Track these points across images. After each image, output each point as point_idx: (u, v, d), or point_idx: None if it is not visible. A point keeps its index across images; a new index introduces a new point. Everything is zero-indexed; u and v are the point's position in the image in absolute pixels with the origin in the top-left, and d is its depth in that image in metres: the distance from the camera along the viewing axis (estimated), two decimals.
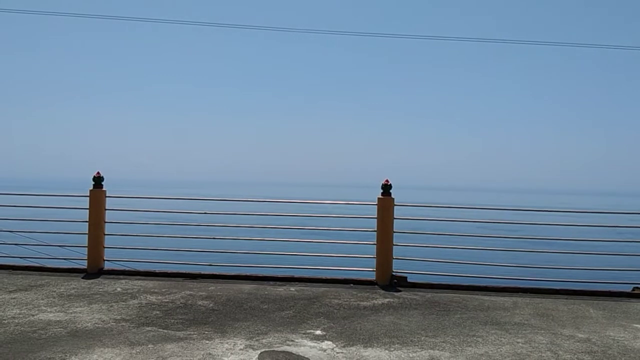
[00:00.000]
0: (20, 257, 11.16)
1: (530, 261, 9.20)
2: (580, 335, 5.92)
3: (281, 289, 7.85)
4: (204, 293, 7.52)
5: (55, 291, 7.43)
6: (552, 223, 10.61)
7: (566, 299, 7.68)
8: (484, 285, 8.16)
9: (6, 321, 5.97)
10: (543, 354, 5.27)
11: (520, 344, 5.56)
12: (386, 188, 8.41)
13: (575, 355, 5.25)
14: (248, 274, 8.68)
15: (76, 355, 4.95)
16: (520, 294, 7.91)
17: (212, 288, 7.83)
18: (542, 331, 6.06)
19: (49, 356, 4.90)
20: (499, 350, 5.36)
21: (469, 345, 5.47)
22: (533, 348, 5.45)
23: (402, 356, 5.13)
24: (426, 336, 5.75)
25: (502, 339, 5.73)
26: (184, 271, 8.72)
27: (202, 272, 8.66)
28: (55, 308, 6.57)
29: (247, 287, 7.95)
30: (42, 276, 8.39)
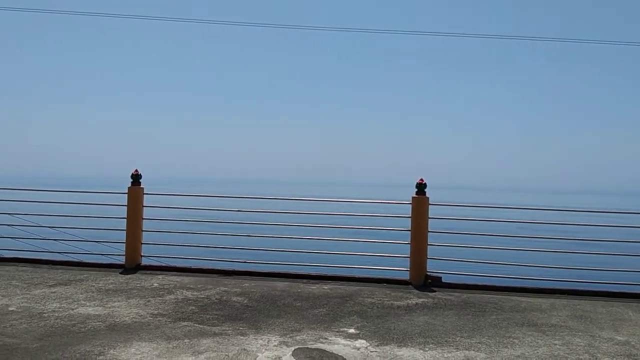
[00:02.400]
0: (60, 253, 11.43)
1: (568, 262, 9.02)
2: (619, 338, 5.79)
3: (314, 287, 7.87)
4: (238, 289, 7.59)
5: (94, 286, 7.59)
6: (591, 224, 10.37)
7: (605, 301, 7.52)
8: (520, 286, 8.04)
9: (47, 314, 6.12)
10: (581, 357, 5.18)
11: (557, 346, 5.47)
12: (420, 187, 8.35)
13: (614, 358, 5.14)
14: (281, 271, 8.73)
15: (114, 348, 5.05)
16: (557, 295, 7.77)
17: (246, 285, 7.89)
18: (580, 333, 5.95)
19: (88, 349, 5.01)
20: (535, 352, 5.28)
21: (505, 347, 5.41)
22: (570, 350, 5.36)
23: (437, 356, 5.09)
24: (461, 337, 5.70)
25: (539, 340, 5.65)
26: (218, 268, 8.81)
27: (237, 269, 8.74)
28: (94, 302, 6.71)
29: (280, 284, 8.00)
30: (81, 271, 8.58)
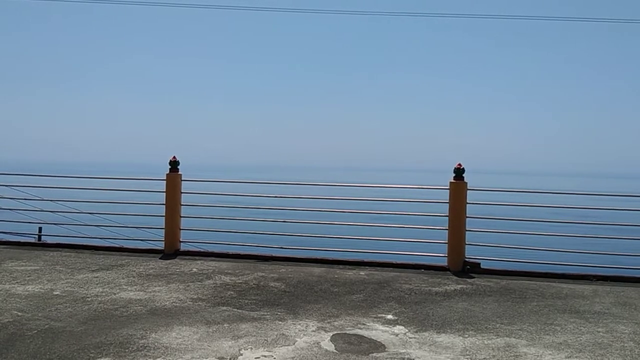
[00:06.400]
0: (101, 238, 11.71)
1: (611, 249, 8.80)
2: None
3: (351, 273, 7.86)
4: (275, 275, 7.63)
5: (134, 271, 7.72)
6: (632, 209, 10.06)
7: None
8: (562, 272, 7.87)
9: (90, 299, 6.25)
10: (625, 344, 5.06)
11: (601, 334, 5.35)
12: (459, 172, 8.22)
13: None
14: (318, 257, 8.74)
15: (156, 332, 5.14)
16: (600, 282, 7.60)
17: (283, 270, 7.93)
18: (624, 320, 5.81)
19: (130, 333, 5.11)
20: (578, 339, 5.18)
21: (547, 334, 5.31)
22: (615, 338, 5.24)
23: (477, 343, 5.04)
24: (501, 323, 5.62)
25: (582, 327, 5.53)
26: (256, 253, 8.87)
27: (274, 255, 8.79)
28: (135, 287, 6.83)
29: (317, 270, 8.01)
30: (122, 256, 8.74)
